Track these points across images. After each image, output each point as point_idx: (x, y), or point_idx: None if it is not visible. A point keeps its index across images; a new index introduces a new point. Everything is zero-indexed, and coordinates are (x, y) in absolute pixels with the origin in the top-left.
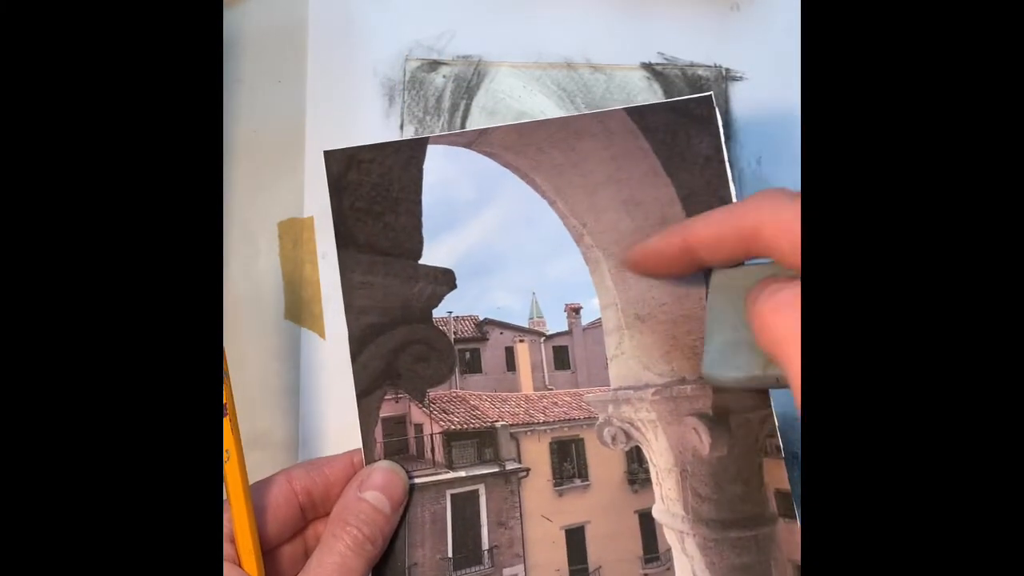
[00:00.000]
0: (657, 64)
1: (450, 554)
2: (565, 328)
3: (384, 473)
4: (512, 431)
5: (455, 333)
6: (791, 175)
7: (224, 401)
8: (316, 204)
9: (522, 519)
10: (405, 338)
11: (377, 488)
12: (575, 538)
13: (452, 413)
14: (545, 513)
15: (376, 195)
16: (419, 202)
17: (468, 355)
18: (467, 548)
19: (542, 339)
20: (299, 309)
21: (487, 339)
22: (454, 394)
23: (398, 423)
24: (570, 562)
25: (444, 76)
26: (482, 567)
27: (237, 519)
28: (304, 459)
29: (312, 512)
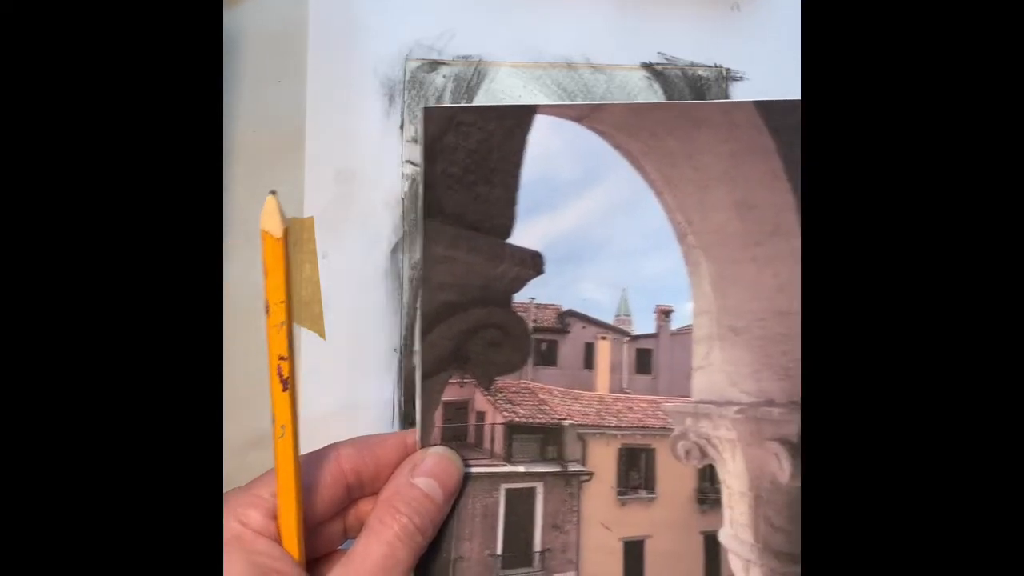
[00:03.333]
0: (657, 64)
1: (499, 551)
2: (652, 330)
3: (438, 459)
4: (580, 431)
5: (534, 321)
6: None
7: (286, 376)
8: (316, 204)
9: (579, 524)
10: (480, 321)
11: (430, 475)
12: (633, 551)
13: (519, 404)
14: (605, 521)
15: (472, 163)
16: (517, 175)
17: (545, 346)
18: (518, 547)
19: (626, 339)
20: (299, 309)
21: (567, 332)
22: (524, 385)
23: (460, 409)
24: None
25: (444, 76)
26: (531, 569)
27: (283, 497)
28: None
29: (358, 491)
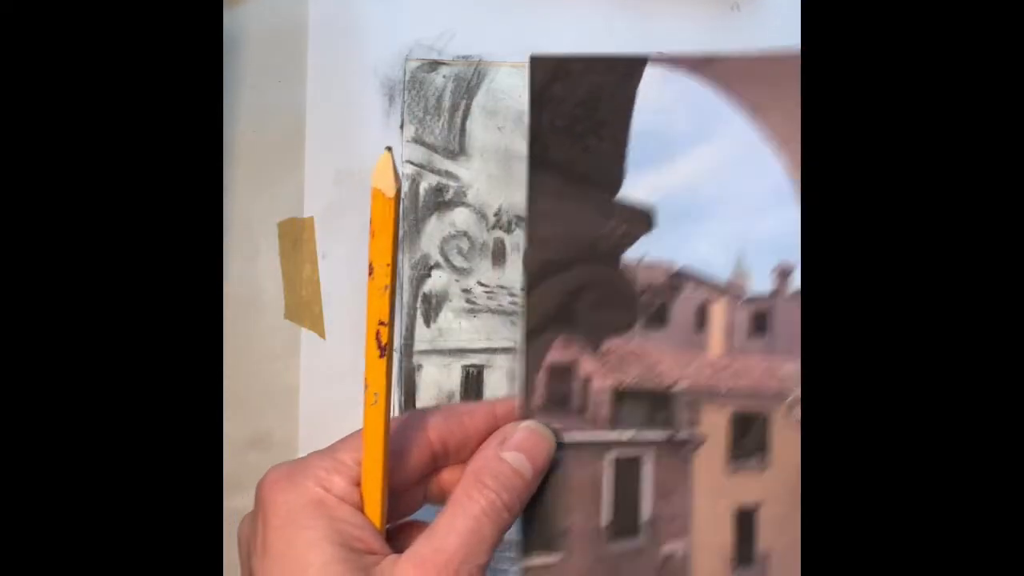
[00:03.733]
0: None
1: (605, 523)
2: (769, 291)
3: (529, 433)
4: (691, 397)
5: (644, 281)
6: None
7: (384, 343)
8: (316, 204)
9: (689, 493)
10: (587, 279)
11: (520, 449)
12: (745, 520)
13: (627, 368)
14: (716, 489)
15: (580, 114)
16: (627, 128)
17: (655, 307)
18: (625, 518)
19: (740, 300)
20: (299, 309)
21: (679, 292)
22: (632, 348)
23: (564, 371)
24: (737, 545)
25: (444, 76)
26: (639, 539)
27: (369, 466)
28: None
29: (444, 460)
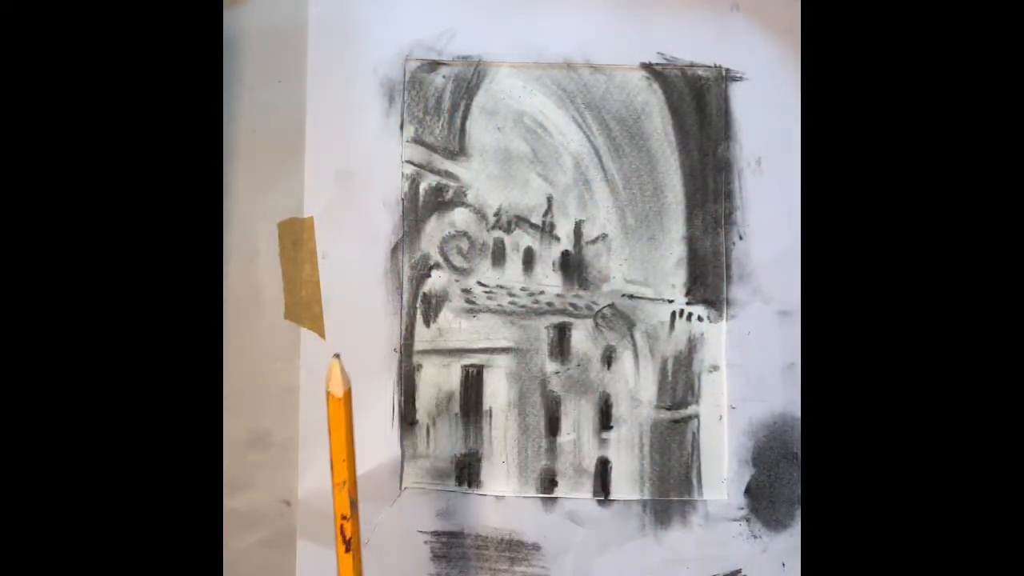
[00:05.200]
0: (657, 64)
1: None
2: None
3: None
4: None
5: None
6: (791, 175)
7: (348, 537)
8: (316, 204)
9: None
10: None
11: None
12: None
13: None
14: None
15: None
16: None
17: None
18: None
19: None
20: (299, 309)
21: None
22: None
23: None
24: None
25: (444, 76)
26: None
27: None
28: (304, 460)
29: None
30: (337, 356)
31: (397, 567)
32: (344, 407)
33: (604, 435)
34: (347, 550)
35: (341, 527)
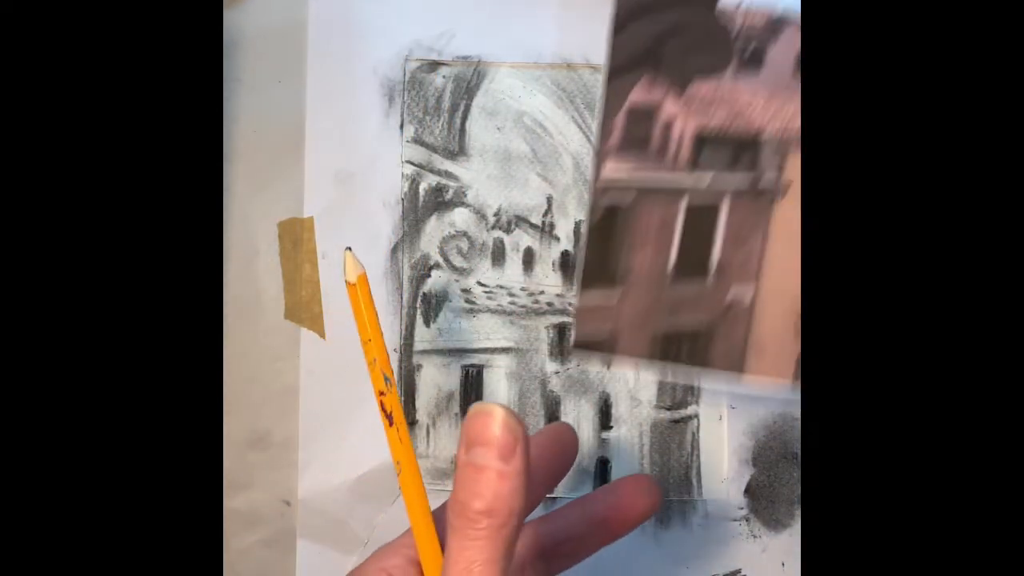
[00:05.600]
0: None
1: (671, 265)
2: None
3: (478, 421)
4: (779, 144)
5: (741, 25)
6: None
7: (389, 411)
8: (316, 204)
9: (765, 239)
10: (679, 21)
11: (474, 443)
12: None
13: (713, 112)
14: (793, 237)
15: None
16: None
17: (750, 50)
18: (692, 260)
19: None
20: (299, 309)
21: (777, 36)
22: (721, 92)
23: (645, 113)
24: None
25: (444, 76)
26: (706, 280)
27: (418, 534)
28: (304, 460)
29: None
30: (349, 248)
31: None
32: (362, 291)
33: (604, 435)
34: (390, 424)
35: (381, 403)
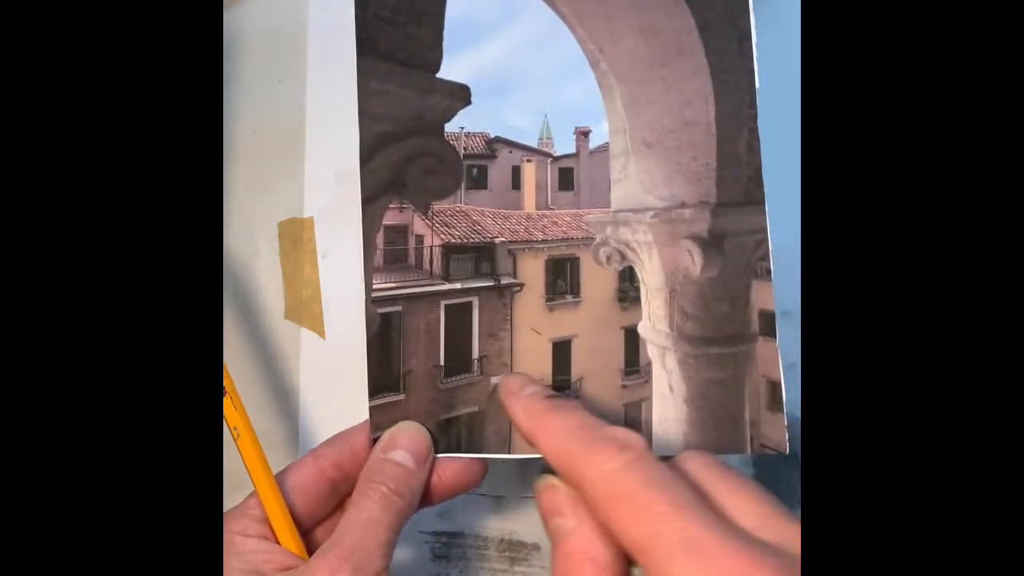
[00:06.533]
0: None
1: (442, 362)
2: (573, 150)
3: (406, 434)
4: (511, 247)
5: (465, 149)
6: (790, 175)
7: (224, 384)
8: (316, 204)
9: (512, 331)
10: (415, 149)
11: (398, 447)
12: (561, 351)
13: (454, 227)
14: (535, 326)
15: (400, 6)
16: (443, 15)
17: (475, 171)
18: (458, 357)
19: (549, 160)
20: (299, 309)
21: (496, 157)
22: (458, 208)
23: (400, 232)
24: (555, 372)
25: None
26: (471, 375)
27: (263, 495)
28: None
29: (345, 485)
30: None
31: (397, 567)
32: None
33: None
34: (224, 394)
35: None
